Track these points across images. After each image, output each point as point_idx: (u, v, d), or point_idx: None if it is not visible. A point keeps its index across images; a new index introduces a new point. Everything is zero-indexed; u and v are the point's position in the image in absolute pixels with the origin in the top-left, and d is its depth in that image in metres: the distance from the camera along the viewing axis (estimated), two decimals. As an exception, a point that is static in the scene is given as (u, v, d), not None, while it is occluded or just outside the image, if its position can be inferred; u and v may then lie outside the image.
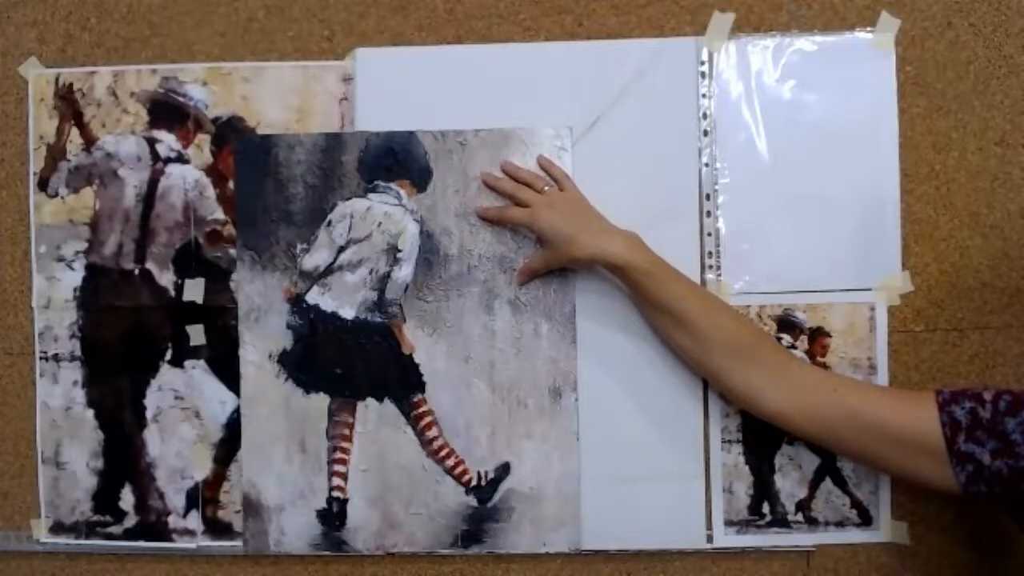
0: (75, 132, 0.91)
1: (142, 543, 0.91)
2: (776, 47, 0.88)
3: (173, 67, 0.91)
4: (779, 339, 0.87)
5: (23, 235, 0.92)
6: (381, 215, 0.88)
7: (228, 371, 0.89)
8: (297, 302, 0.89)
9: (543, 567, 0.89)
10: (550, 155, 0.87)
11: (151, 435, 0.91)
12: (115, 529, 0.91)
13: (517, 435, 0.87)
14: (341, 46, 0.90)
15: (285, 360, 0.89)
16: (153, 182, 0.91)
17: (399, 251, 0.88)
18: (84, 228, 0.91)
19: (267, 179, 0.89)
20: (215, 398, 0.90)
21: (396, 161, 0.88)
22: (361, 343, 0.88)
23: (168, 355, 0.90)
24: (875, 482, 0.87)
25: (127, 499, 0.91)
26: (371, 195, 0.88)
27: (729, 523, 0.88)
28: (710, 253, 0.87)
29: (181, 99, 0.91)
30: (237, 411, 0.89)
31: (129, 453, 0.91)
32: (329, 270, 0.88)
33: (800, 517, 0.87)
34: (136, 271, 0.91)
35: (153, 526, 0.91)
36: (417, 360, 0.88)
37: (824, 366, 0.86)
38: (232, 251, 0.89)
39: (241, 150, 0.89)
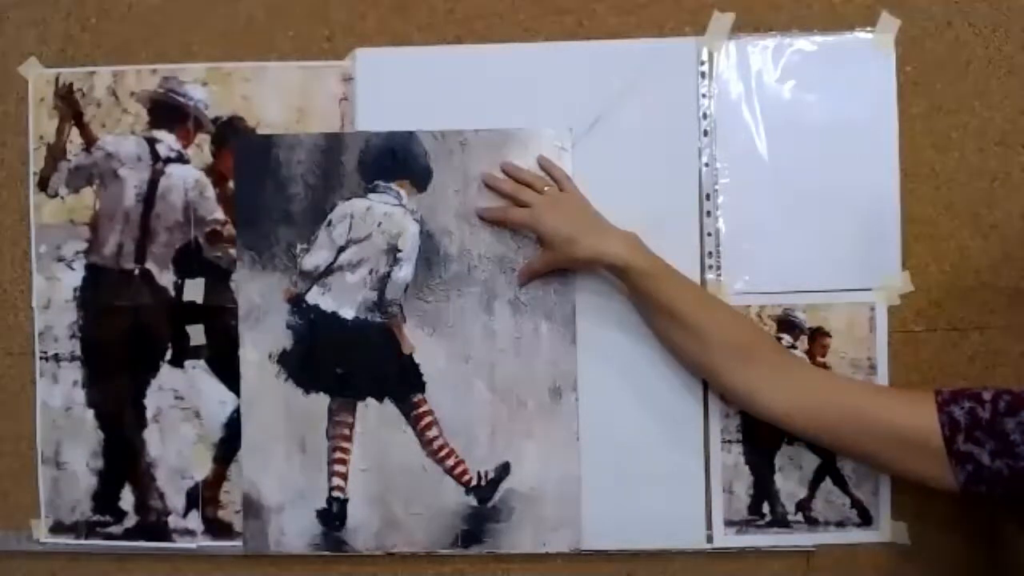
0: (75, 132, 0.91)
1: (142, 543, 0.91)
2: (776, 47, 0.88)
3: (173, 67, 0.91)
4: (779, 339, 0.87)
5: (23, 235, 0.92)
6: (381, 215, 0.88)
7: (228, 371, 0.89)
8: (297, 302, 0.89)
9: (543, 567, 0.89)
10: (550, 155, 0.87)
11: (151, 435, 0.91)
12: (115, 529, 0.91)
13: (517, 435, 0.87)
14: (341, 46, 0.90)
15: (285, 360, 0.89)
16: (153, 182, 0.91)
17: (399, 251, 0.88)
18: (84, 228, 0.91)
19: (267, 179, 0.89)
20: (215, 398, 0.90)
21: (396, 161, 0.88)
22: (361, 343, 0.88)
23: (168, 355, 0.90)
24: (875, 482, 0.87)
25: (127, 499, 0.91)
26: (371, 195, 0.88)
27: (729, 523, 0.88)
28: (710, 253, 0.87)
29: (181, 99, 0.91)
30: (237, 411, 0.89)
31: (129, 453, 0.91)
32: (329, 270, 0.88)
33: (800, 517, 0.87)
34: (136, 271, 0.91)
35: (153, 526, 0.91)
36: (417, 360, 0.88)
37: (824, 366, 0.86)
38: (232, 251, 0.89)
39: (241, 150, 0.89)
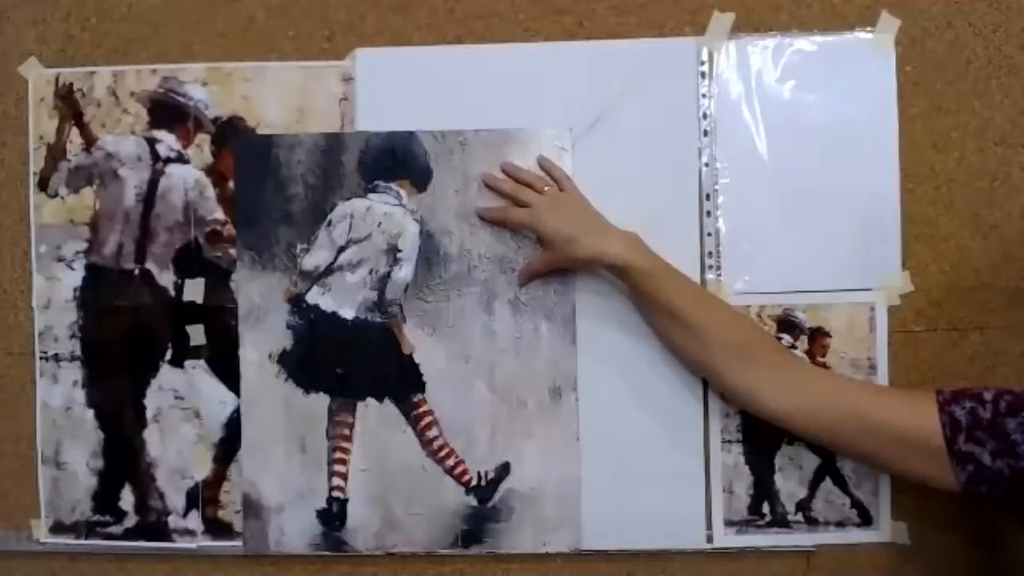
0: (75, 132, 0.91)
1: (142, 543, 0.91)
2: (776, 47, 0.88)
3: (173, 67, 0.91)
4: (779, 339, 0.87)
5: (23, 235, 0.92)
6: (381, 215, 0.88)
7: (228, 371, 0.89)
8: (297, 302, 0.89)
9: (543, 567, 0.89)
10: (550, 155, 0.87)
11: (151, 435, 0.91)
12: (115, 529, 0.91)
13: (517, 435, 0.87)
14: (341, 46, 0.90)
15: (285, 360, 0.89)
16: (153, 182, 0.91)
17: (399, 251, 0.88)
18: (84, 228, 0.91)
19: (267, 179, 0.89)
20: (215, 398, 0.90)
21: (396, 161, 0.88)
22: (361, 343, 0.88)
23: (168, 355, 0.90)
24: (875, 482, 0.87)
25: (127, 499, 0.91)
26: (371, 195, 0.88)
27: (729, 523, 0.88)
28: (710, 253, 0.87)
29: (181, 99, 0.91)
30: (237, 411, 0.89)
31: (129, 453, 0.91)
32: (329, 270, 0.88)
33: (800, 517, 0.87)
34: (136, 271, 0.91)
35: (153, 526, 0.91)
36: (417, 360, 0.88)
37: (824, 366, 0.86)
38: (232, 251, 0.89)
39: (241, 150, 0.89)
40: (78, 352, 0.91)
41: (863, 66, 0.87)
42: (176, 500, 0.91)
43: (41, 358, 0.92)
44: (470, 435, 0.88)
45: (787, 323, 0.87)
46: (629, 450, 0.87)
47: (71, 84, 0.91)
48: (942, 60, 0.87)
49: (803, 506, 0.87)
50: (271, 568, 0.91)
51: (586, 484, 0.87)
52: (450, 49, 0.89)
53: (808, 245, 0.87)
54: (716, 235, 0.87)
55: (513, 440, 0.87)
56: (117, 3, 0.92)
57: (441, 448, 0.88)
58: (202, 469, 0.90)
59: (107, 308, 0.91)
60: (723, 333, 0.78)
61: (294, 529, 0.88)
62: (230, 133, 0.90)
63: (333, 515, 0.88)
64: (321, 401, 0.88)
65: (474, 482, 0.87)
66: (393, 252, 0.88)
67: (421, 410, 0.88)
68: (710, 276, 0.87)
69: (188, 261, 0.90)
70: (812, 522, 0.87)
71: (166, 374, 0.90)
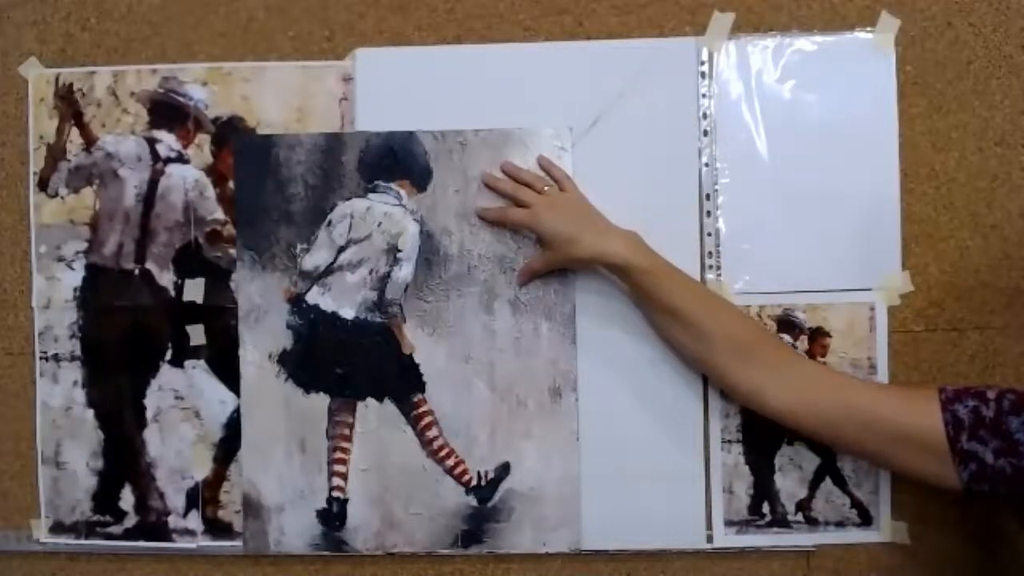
0: (75, 132, 0.91)
1: (142, 543, 0.91)
2: (776, 47, 0.88)
3: (173, 67, 0.91)
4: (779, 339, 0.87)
5: (23, 235, 0.92)
6: (381, 215, 0.88)
7: (228, 371, 0.89)
8: (297, 302, 0.89)
9: (543, 567, 0.89)
10: (550, 155, 0.87)
11: (151, 435, 0.91)
12: (115, 529, 0.91)
13: (517, 435, 0.87)
14: (341, 46, 0.90)
15: (285, 360, 0.89)
16: (153, 182, 0.91)
17: (399, 251, 0.88)
18: (84, 228, 0.91)
19: (267, 179, 0.89)
20: (215, 398, 0.90)
21: (396, 161, 0.88)
22: (361, 343, 0.88)
23: (168, 355, 0.90)
24: (875, 482, 0.87)
25: (127, 499, 0.91)
26: (371, 195, 0.88)
27: (729, 523, 0.88)
28: (710, 253, 0.87)
29: (181, 99, 0.91)
30: (237, 411, 0.89)
31: (129, 453, 0.91)
32: (329, 270, 0.88)
33: (800, 517, 0.87)
34: (136, 271, 0.91)
35: (153, 526, 0.91)
36: (417, 360, 0.88)
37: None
38: (232, 251, 0.89)
39: (241, 150, 0.89)
40: (78, 352, 0.91)
41: (863, 66, 0.87)
42: (176, 500, 0.91)
43: (41, 358, 0.92)
44: (470, 435, 0.88)
45: (787, 323, 0.87)
46: (629, 450, 0.87)
47: (71, 84, 0.91)
48: (942, 60, 0.87)
49: (803, 506, 0.87)
50: (271, 568, 0.91)
51: (586, 484, 0.87)
52: (450, 49, 0.89)
53: (808, 245, 0.87)
54: (716, 235, 0.87)
55: (513, 440, 0.87)
56: (117, 3, 0.92)
57: (441, 448, 0.88)
58: (202, 469, 0.90)
59: (107, 308, 0.91)
60: (724, 331, 0.78)
61: (294, 529, 0.88)
62: (230, 133, 0.90)
63: (333, 515, 0.88)
64: (321, 401, 0.88)
65: (474, 482, 0.87)
66: (393, 252, 0.88)
67: (421, 410, 0.88)
68: (710, 276, 0.87)
69: (188, 261, 0.90)
70: (812, 522, 0.87)
71: (166, 374, 0.90)
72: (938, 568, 0.87)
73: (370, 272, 0.88)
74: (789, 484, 0.87)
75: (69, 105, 0.91)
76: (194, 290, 0.90)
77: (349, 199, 0.88)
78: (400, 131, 0.88)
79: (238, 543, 0.90)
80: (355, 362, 0.88)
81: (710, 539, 0.87)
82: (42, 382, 0.92)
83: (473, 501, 0.87)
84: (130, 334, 0.91)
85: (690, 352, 0.81)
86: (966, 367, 0.87)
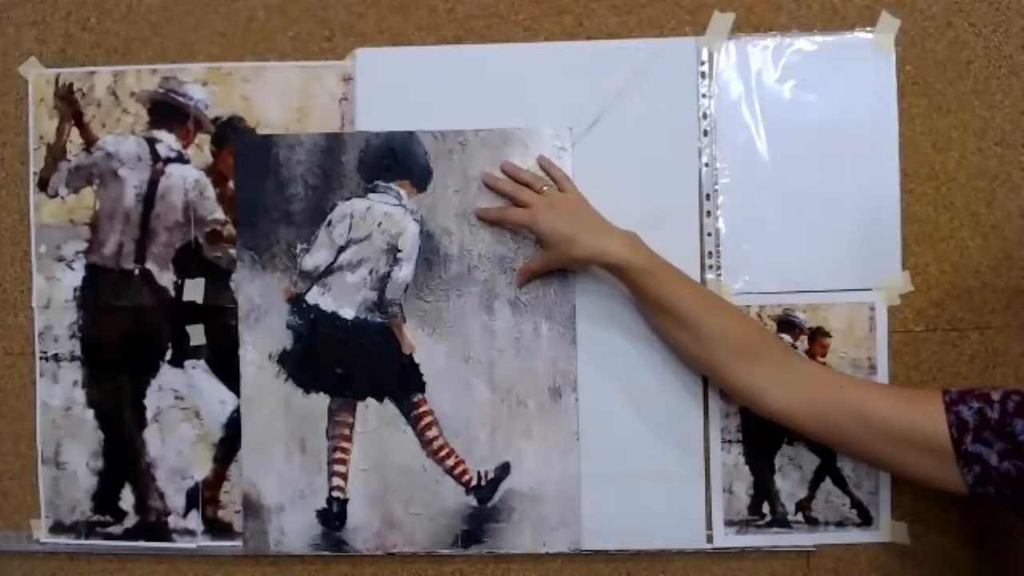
0: (75, 132, 0.91)
1: (142, 543, 0.91)
2: (776, 47, 0.88)
3: (173, 67, 0.91)
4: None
5: (23, 235, 0.92)
6: (381, 215, 0.88)
7: (228, 371, 0.89)
8: (297, 302, 0.89)
9: (543, 567, 0.89)
10: (550, 155, 0.87)
11: (151, 435, 0.91)
12: (115, 529, 0.91)
13: (517, 435, 0.87)
14: (341, 46, 0.90)
15: (285, 360, 0.89)
16: (153, 182, 0.91)
17: (399, 251, 0.88)
18: (84, 228, 0.91)
19: (267, 179, 0.89)
20: (215, 398, 0.90)
21: (396, 161, 0.88)
22: (361, 343, 0.88)
23: (168, 355, 0.90)
24: (875, 482, 0.87)
25: (127, 499, 0.91)
26: (371, 195, 0.88)
27: (729, 523, 0.88)
28: (710, 253, 0.87)
29: (181, 99, 0.91)
30: (237, 411, 0.89)
31: (129, 453, 0.91)
32: (329, 270, 0.88)
33: (800, 517, 0.87)
34: (136, 271, 0.91)
35: (153, 526, 0.91)
36: (417, 360, 0.88)
37: (824, 366, 0.86)
38: (232, 251, 0.89)
39: (241, 150, 0.89)
40: (78, 352, 0.91)
41: (863, 66, 0.87)
42: (176, 500, 0.91)
43: (41, 358, 0.92)
44: (470, 435, 0.88)
45: (787, 323, 0.87)
46: (629, 450, 0.87)
47: (71, 84, 0.91)
48: (942, 60, 0.87)
49: (803, 506, 0.87)
50: (271, 568, 0.91)
51: (586, 484, 0.87)
52: (450, 49, 0.89)
53: (808, 245, 0.87)
54: (716, 235, 0.87)
55: (513, 440, 0.87)
56: (117, 3, 0.92)
57: (441, 448, 0.88)
58: (202, 469, 0.90)
59: (107, 308, 0.91)
60: (724, 332, 0.78)
61: (294, 529, 0.88)
62: (230, 133, 0.90)
63: (333, 515, 0.88)
64: (321, 401, 0.88)
65: (474, 482, 0.87)
66: (393, 252, 0.88)
67: (421, 410, 0.88)
68: (710, 276, 0.87)
69: (188, 261, 0.90)
70: (812, 522, 0.87)
71: (166, 374, 0.90)
72: (938, 568, 0.87)
73: (370, 272, 0.88)
74: (789, 484, 0.87)
75: (69, 105, 0.91)
76: (194, 290, 0.90)
77: (349, 199, 0.88)
78: (400, 131, 0.88)
79: (238, 543, 0.90)
80: (355, 362, 0.88)
81: (710, 539, 0.87)
82: (42, 382, 0.92)
83: (473, 501, 0.87)
84: (130, 334, 0.91)
85: (690, 352, 0.81)
86: (966, 367, 0.87)
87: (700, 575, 0.88)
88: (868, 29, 0.87)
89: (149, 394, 0.91)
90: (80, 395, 0.91)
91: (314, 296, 0.88)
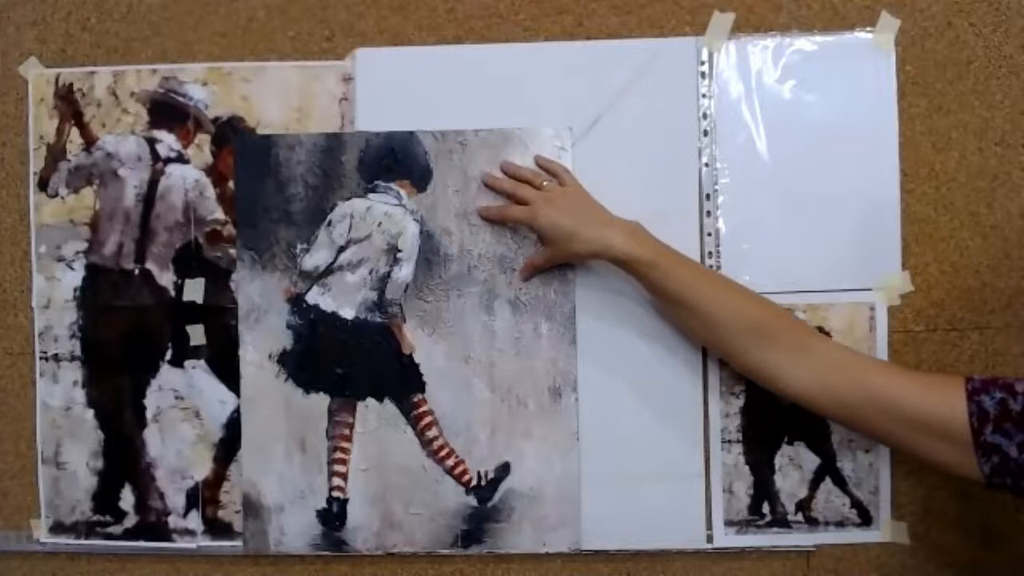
0: (75, 132, 0.91)
1: (142, 543, 0.91)
2: (776, 47, 0.88)
3: (173, 67, 0.91)
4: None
5: (23, 235, 0.92)
6: (381, 215, 0.88)
7: (228, 371, 0.89)
8: (297, 302, 0.89)
9: (543, 567, 0.89)
10: (550, 155, 0.87)
11: (151, 435, 0.91)
12: (115, 529, 0.91)
13: (517, 435, 0.87)
14: (341, 46, 0.90)
15: (285, 360, 0.89)
16: (153, 182, 0.91)
17: (399, 251, 0.88)
18: (84, 228, 0.91)
19: (267, 179, 0.89)
20: (215, 398, 0.90)
21: (396, 161, 0.88)
22: (361, 343, 0.88)
23: (168, 355, 0.90)
24: (875, 482, 0.87)
25: (127, 499, 0.91)
26: (371, 195, 0.88)
27: (729, 523, 0.88)
28: (710, 253, 0.87)
29: (181, 99, 0.91)
30: (237, 411, 0.89)
31: (129, 453, 0.91)
32: (329, 270, 0.88)
33: (800, 517, 0.87)
34: (136, 271, 0.91)
35: (153, 526, 0.91)
36: (417, 360, 0.88)
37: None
38: (232, 251, 0.89)
39: (241, 150, 0.89)
40: (78, 352, 0.91)
41: (863, 66, 0.87)
42: (176, 500, 0.91)
43: (41, 358, 0.92)
44: (470, 435, 0.88)
45: (787, 323, 0.87)
46: (629, 450, 0.87)
47: (71, 84, 0.91)
48: (942, 60, 0.87)
49: (803, 506, 0.87)
50: (271, 568, 0.91)
51: (586, 484, 0.87)
52: (450, 49, 0.89)
53: (808, 245, 0.87)
54: (716, 235, 0.87)
55: (513, 440, 0.87)
56: (117, 3, 0.92)
57: (441, 448, 0.88)
58: (202, 469, 0.90)
59: (107, 308, 0.91)
60: (736, 317, 0.76)
61: (294, 529, 0.88)
62: (230, 133, 0.90)
63: (333, 515, 0.88)
64: (321, 401, 0.88)
65: (474, 482, 0.87)
66: (393, 252, 0.88)
67: (421, 410, 0.88)
68: (710, 276, 0.87)
69: (188, 261, 0.90)
70: (812, 522, 0.87)
71: (166, 374, 0.90)
72: (938, 568, 0.87)
73: (370, 272, 0.88)
74: (789, 484, 0.87)
75: (69, 105, 0.91)
76: (194, 290, 0.90)
77: (349, 199, 0.88)
78: (400, 131, 0.88)
79: (238, 543, 0.90)
80: (355, 362, 0.88)
81: (710, 539, 0.87)
82: (42, 382, 0.92)
83: (473, 501, 0.87)
84: (130, 334, 0.91)
85: (704, 339, 0.80)
86: (966, 367, 0.87)
87: (700, 575, 0.88)
88: (868, 29, 0.87)
89: (149, 394, 0.91)
90: (80, 395, 0.91)
91: (314, 296, 0.88)
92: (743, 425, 0.87)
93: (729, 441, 0.88)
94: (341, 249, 0.88)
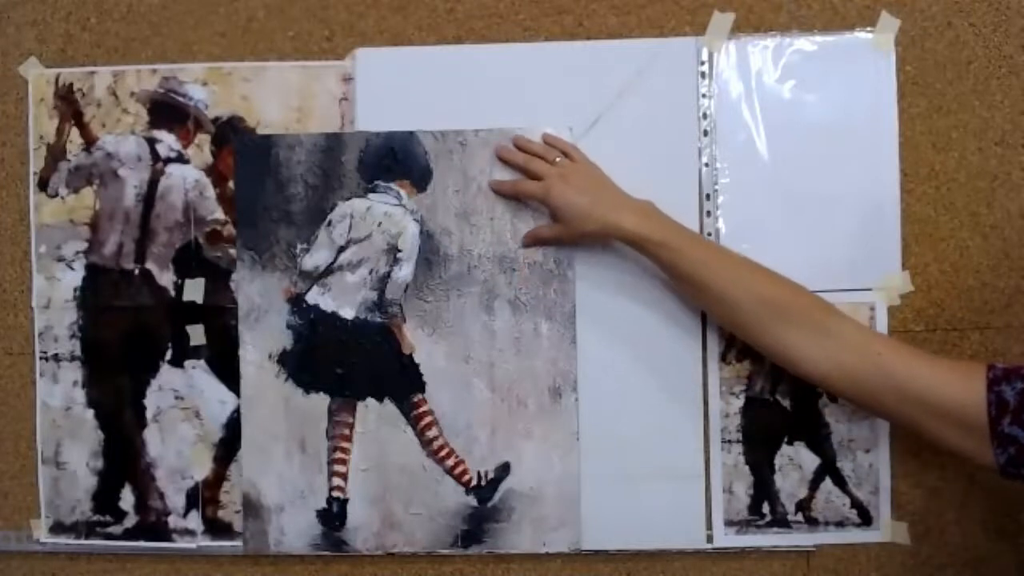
0: (75, 132, 0.91)
1: (142, 543, 0.91)
2: (776, 47, 0.88)
3: (173, 67, 0.91)
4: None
5: (23, 235, 0.92)
6: (381, 215, 0.88)
7: (228, 371, 0.89)
8: (297, 302, 0.89)
9: (543, 567, 0.89)
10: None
11: (151, 435, 0.91)
12: (115, 529, 0.91)
13: (517, 435, 0.87)
14: (341, 46, 0.90)
15: (285, 360, 0.89)
16: (153, 182, 0.91)
17: (399, 251, 0.88)
18: (84, 228, 0.91)
19: (267, 179, 0.89)
20: (215, 398, 0.90)
21: (396, 161, 0.88)
22: (361, 343, 0.88)
23: (168, 355, 0.90)
24: (875, 482, 0.87)
25: (127, 499, 0.91)
26: (371, 195, 0.88)
27: (729, 523, 0.88)
28: (710, 253, 0.87)
29: (181, 99, 0.91)
30: (237, 411, 0.89)
31: (129, 453, 0.91)
32: (329, 270, 0.88)
33: (800, 517, 0.87)
34: (136, 271, 0.91)
35: (153, 526, 0.91)
36: (417, 360, 0.88)
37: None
38: (232, 251, 0.89)
39: (241, 150, 0.89)
40: (78, 352, 0.91)
41: (863, 66, 0.87)
42: (176, 500, 0.91)
43: (41, 358, 0.92)
44: (470, 435, 0.88)
45: (787, 323, 0.87)
46: (629, 450, 0.87)
47: (71, 84, 0.91)
48: (942, 60, 0.87)
49: (803, 506, 0.87)
50: (271, 568, 0.91)
51: (586, 484, 0.87)
52: (450, 49, 0.89)
53: (808, 245, 0.87)
54: (716, 235, 0.87)
55: (513, 440, 0.87)
56: (117, 3, 0.92)
57: (441, 448, 0.87)
58: (202, 469, 0.90)
59: (107, 308, 0.91)
60: (750, 296, 0.75)
61: (294, 529, 0.88)
62: (230, 133, 0.90)
63: (333, 515, 0.88)
64: (321, 401, 0.88)
65: (474, 482, 0.87)
66: (393, 252, 0.88)
67: (421, 410, 0.88)
68: (710, 276, 0.87)
69: (188, 261, 0.90)
70: (812, 522, 0.87)
71: (166, 374, 0.90)
72: (938, 568, 0.87)
73: (370, 272, 0.88)
74: (789, 484, 0.87)
75: (69, 105, 0.91)
76: (194, 290, 0.90)
77: (349, 199, 0.88)
78: (400, 131, 0.88)
79: (238, 543, 0.90)
80: (355, 362, 0.88)
81: (710, 539, 0.87)
82: (42, 382, 0.92)
83: (473, 501, 0.87)
84: (130, 334, 0.91)
85: (719, 318, 0.80)
86: (966, 367, 0.87)
87: (700, 575, 0.88)
88: (868, 29, 0.87)
89: (149, 394, 0.91)
90: (80, 395, 0.91)
91: (314, 296, 0.88)
92: (743, 425, 0.87)
93: (729, 441, 0.88)
94: (341, 249, 0.88)
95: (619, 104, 0.88)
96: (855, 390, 0.73)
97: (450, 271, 0.88)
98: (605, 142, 0.87)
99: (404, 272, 0.88)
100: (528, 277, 0.87)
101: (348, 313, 0.88)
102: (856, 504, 0.87)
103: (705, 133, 0.88)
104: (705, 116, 0.88)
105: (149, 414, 0.91)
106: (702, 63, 0.88)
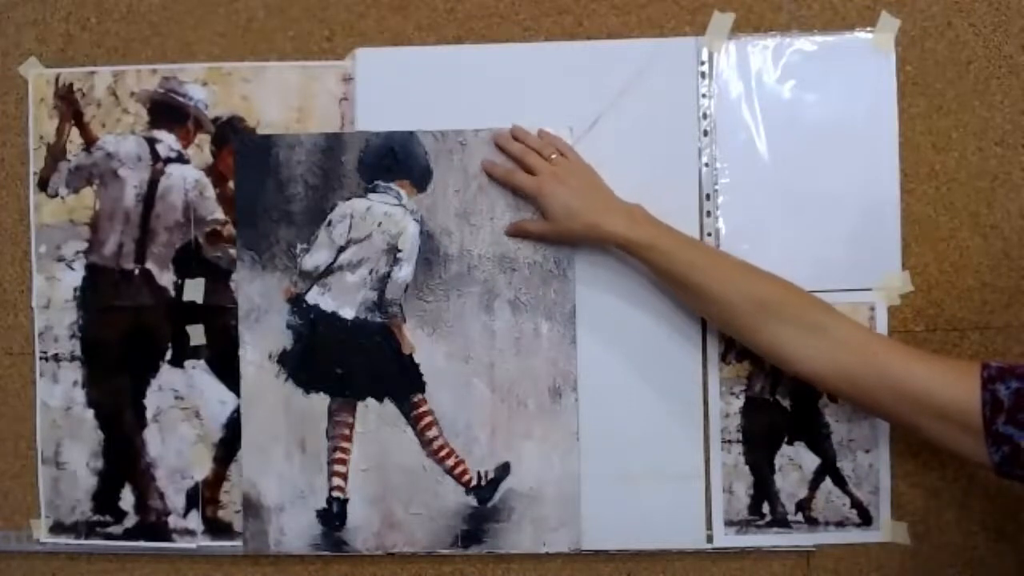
0: (75, 132, 0.91)
1: (142, 543, 0.91)
2: (776, 47, 0.88)
3: (173, 67, 0.91)
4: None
5: (23, 235, 0.92)
6: (381, 215, 0.88)
7: (228, 371, 0.89)
8: (297, 302, 0.89)
9: (543, 567, 0.89)
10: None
11: (151, 435, 0.91)
12: (115, 529, 0.91)
13: (517, 435, 0.87)
14: (341, 46, 0.90)
15: (285, 360, 0.89)
16: (153, 182, 0.91)
17: (399, 251, 0.88)
18: (84, 228, 0.91)
19: (267, 179, 0.89)
20: (215, 398, 0.90)
21: (396, 161, 0.88)
22: (361, 343, 0.88)
23: (168, 355, 0.90)
24: (875, 482, 0.87)
25: (127, 499, 0.91)
26: (371, 195, 0.88)
27: (729, 523, 0.88)
28: (710, 253, 0.87)
29: (181, 99, 0.91)
30: (237, 411, 0.89)
31: (129, 453, 0.91)
32: (329, 270, 0.88)
33: (800, 517, 0.87)
34: (136, 271, 0.91)
35: (153, 526, 0.91)
36: (417, 360, 0.88)
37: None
38: (232, 251, 0.89)
39: (241, 150, 0.89)
40: (78, 352, 0.91)
41: (863, 66, 0.87)
42: (176, 500, 0.91)
43: (41, 358, 0.92)
44: (470, 435, 0.88)
45: (787, 323, 0.87)
46: (629, 450, 0.87)
47: (71, 84, 0.91)
48: (942, 60, 0.87)
49: (803, 506, 0.87)
50: (271, 568, 0.91)
51: (586, 484, 0.87)
52: (450, 49, 0.89)
53: (808, 245, 0.87)
54: (716, 235, 0.87)
55: (513, 440, 0.87)
56: (117, 3, 0.92)
57: (441, 448, 0.87)
58: (202, 469, 0.90)
59: (107, 308, 0.91)
60: (741, 295, 0.75)
61: (294, 529, 0.88)
62: (230, 133, 0.90)
63: (333, 515, 0.88)
64: (321, 401, 0.88)
65: (474, 482, 0.87)
66: (393, 252, 0.88)
67: (421, 410, 0.88)
68: (710, 276, 0.87)
69: (188, 261, 0.90)
70: (812, 522, 0.87)
71: (166, 374, 0.90)
72: (938, 568, 0.87)
73: (370, 272, 0.88)
74: (789, 484, 0.87)
75: (69, 105, 0.91)
76: (194, 290, 0.90)
77: (349, 199, 0.88)
78: (400, 131, 0.88)
79: (238, 543, 0.90)
80: (355, 362, 0.88)
81: (710, 539, 0.87)
82: (42, 382, 0.92)
83: (473, 501, 0.87)
84: (130, 334, 0.91)
85: (713, 319, 0.80)
86: (966, 367, 0.87)
87: (700, 575, 0.88)
88: (868, 29, 0.87)
89: (149, 394, 0.91)
90: (80, 395, 0.91)
91: (314, 296, 0.88)
92: (743, 425, 0.87)
93: (729, 441, 0.88)
94: (341, 249, 0.88)
95: (619, 104, 0.88)
96: (851, 389, 0.73)
97: (450, 271, 0.88)
98: (605, 142, 0.87)
99: (404, 272, 0.88)
100: (528, 277, 0.87)
101: (348, 313, 0.88)
102: (856, 504, 0.87)
103: (705, 133, 0.88)
104: (705, 116, 0.88)
105: (149, 414, 0.91)
106: (702, 63, 0.88)
